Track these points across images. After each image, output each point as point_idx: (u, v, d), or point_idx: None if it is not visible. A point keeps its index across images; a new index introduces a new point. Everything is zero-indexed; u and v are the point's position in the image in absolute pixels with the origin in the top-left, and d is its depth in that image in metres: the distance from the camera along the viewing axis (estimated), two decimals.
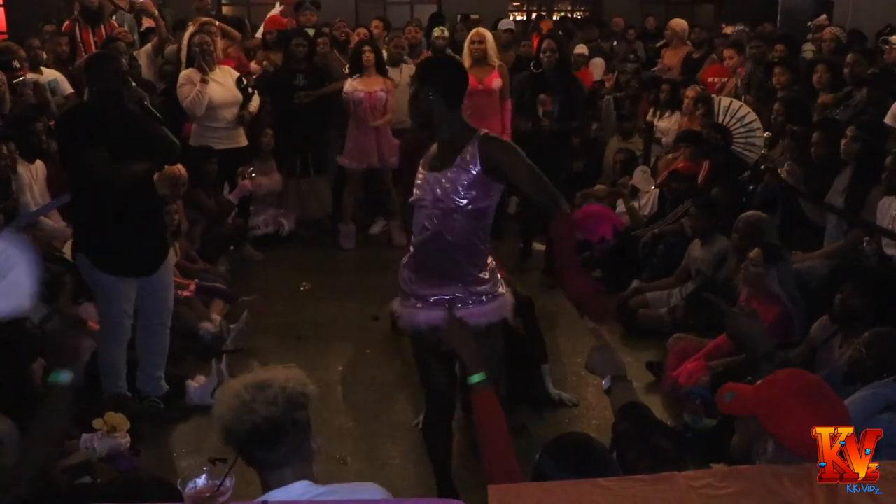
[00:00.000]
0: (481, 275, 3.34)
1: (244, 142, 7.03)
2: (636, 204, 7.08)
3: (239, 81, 6.90)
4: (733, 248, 5.38)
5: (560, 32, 8.24)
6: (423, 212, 3.31)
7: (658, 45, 10.53)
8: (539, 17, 13.80)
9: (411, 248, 3.43)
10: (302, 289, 6.54)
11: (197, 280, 5.81)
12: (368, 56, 7.21)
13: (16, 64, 6.68)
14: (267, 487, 2.23)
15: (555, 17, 14.88)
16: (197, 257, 6.29)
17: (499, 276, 3.48)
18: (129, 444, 4.07)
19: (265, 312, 6.03)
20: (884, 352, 3.75)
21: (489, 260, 3.41)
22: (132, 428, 4.14)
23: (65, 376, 2.57)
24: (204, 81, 6.63)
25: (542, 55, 6.43)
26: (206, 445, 4.45)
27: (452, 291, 3.32)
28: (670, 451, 2.35)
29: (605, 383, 2.63)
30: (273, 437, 2.18)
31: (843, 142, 5.23)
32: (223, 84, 6.82)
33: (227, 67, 7.03)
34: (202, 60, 6.66)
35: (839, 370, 3.95)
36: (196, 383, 4.83)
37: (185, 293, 5.48)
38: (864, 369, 3.76)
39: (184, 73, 6.75)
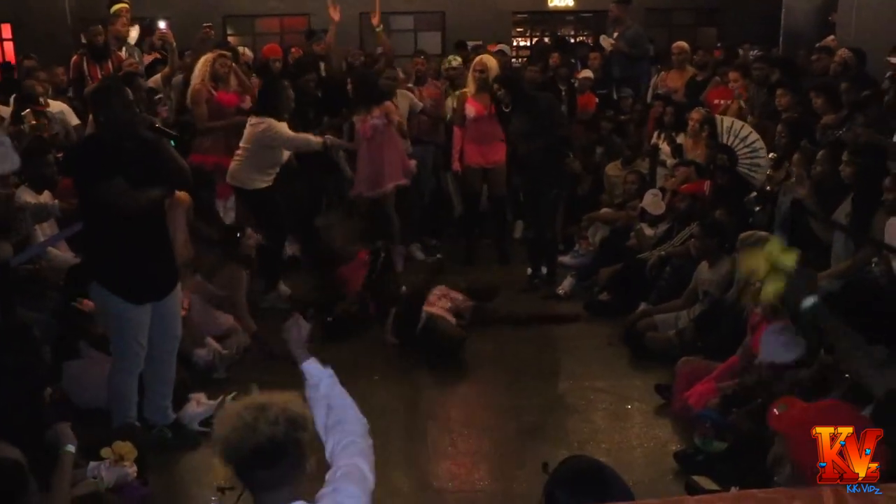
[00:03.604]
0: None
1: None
2: (652, 231, 7.06)
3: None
4: (736, 267, 5.37)
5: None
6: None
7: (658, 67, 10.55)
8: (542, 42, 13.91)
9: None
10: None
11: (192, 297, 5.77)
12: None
13: (38, 88, 6.76)
14: None
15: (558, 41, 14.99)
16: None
17: None
18: (136, 474, 4.06)
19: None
20: None
21: None
22: (140, 457, 4.12)
23: (71, 447, 3.42)
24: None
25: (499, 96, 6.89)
26: (215, 474, 4.43)
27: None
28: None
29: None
30: (274, 456, 2.23)
31: (841, 166, 5.22)
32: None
33: None
34: (287, 110, 6.62)
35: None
36: (197, 407, 4.83)
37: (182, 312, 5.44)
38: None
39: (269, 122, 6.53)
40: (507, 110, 6.87)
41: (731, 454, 4.11)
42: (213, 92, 7.13)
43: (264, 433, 2.21)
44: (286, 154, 6.76)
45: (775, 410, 2.43)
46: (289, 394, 2.35)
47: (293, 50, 9.58)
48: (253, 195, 6.65)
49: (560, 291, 6.94)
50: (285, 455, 2.24)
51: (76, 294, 5.13)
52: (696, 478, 3.95)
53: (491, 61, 7.64)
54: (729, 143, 6.65)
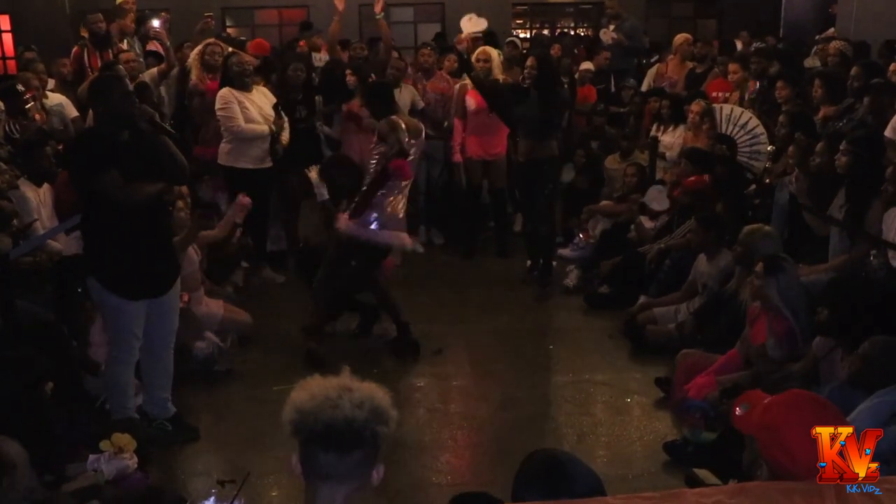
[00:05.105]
0: None
1: (270, 162, 6.91)
2: (652, 224, 7.05)
3: (276, 106, 6.85)
4: (735, 260, 5.37)
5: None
6: None
7: (652, 60, 10.54)
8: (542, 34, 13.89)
9: None
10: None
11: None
12: (351, 80, 7.31)
13: (20, 88, 6.73)
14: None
15: (556, 33, 15.01)
16: (204, 278, 6.28)
17: None
18: (136, 466, 4.06)
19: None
20: (883, 360, 3.72)
21: None
22: (140, 450, 4.13)
23: None
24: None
25: (524, 71, 6.66)
26: (215, 467, 4.44)
27: None
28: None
29: None
30: (348, 441, 1.97)
31: (837, 156, 5.20)
32: (260, 106, 6.75)
33: (264, 89, 6.96)
34: (239, 80, 6.64)
35: (844, 384, 3.93)
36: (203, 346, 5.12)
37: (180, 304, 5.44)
38: (865, 379, 3.74)
39: (221, 93, 6.67)
40: (524, 85, 6.62)
41: (721, 445, 4.11)
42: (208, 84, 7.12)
43: (344, 412, 1.96)
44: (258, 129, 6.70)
45: (737, 410, 2.41)
46: (376, 385, 2.10)
47: (301, 43, 9.53)
48: (237, 174, 6.67)
49: (567, 283, 6.95)
50: (359, 444, 1.98)
51: (68, 287, 5.12)
52: (696, 471, 3.96)
53: (494, 52, 7.60)
54: (728, 132, 6.63)
